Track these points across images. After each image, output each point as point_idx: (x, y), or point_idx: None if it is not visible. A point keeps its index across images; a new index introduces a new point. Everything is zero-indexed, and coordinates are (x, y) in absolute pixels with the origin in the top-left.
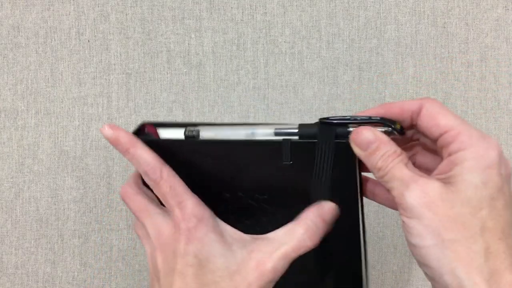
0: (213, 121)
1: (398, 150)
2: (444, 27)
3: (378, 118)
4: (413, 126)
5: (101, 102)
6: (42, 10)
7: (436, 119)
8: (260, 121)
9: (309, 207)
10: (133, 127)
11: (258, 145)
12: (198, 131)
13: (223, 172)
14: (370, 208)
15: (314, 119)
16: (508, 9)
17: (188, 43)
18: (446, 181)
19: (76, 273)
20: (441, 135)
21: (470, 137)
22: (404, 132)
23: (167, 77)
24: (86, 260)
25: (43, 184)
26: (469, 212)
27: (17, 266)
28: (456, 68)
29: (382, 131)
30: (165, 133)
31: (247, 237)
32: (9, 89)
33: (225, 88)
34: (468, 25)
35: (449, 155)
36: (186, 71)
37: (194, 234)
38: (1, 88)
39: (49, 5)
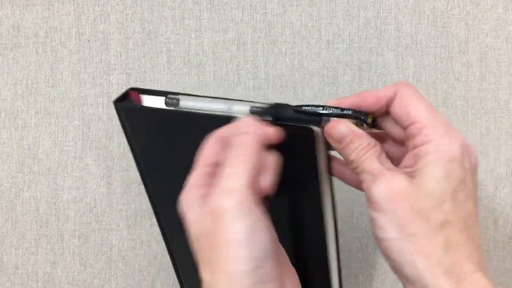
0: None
1: (372, 142)
2: (444, 27)
3: (350, 112)
4: (387, 113)
5: (101, 102)
6: (42, 10)
7: (407, 108)
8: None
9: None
10: None
11: (232, 120)
12: (178, 100)
13: (198, 141)
14: None
15: None
16: (508, 9)
17: (188, 43)
18: (411, 175)
19: (76, 273)
20: (409, 125)
21: (434, 131)
22: (376, 125)
23: (167, 77)
24: (86, 260)
25: (43, 184)
26: (431, 206)
27: (17, 266)
28: (456, 68)
29: (355, 123)
30: (148, 100)
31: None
32: (9, 89)
33: (225, 88)
34: (468, 25)
35: (414, 147)
36: (186, 71)
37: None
38: (1, 88)
39: (49, 5)
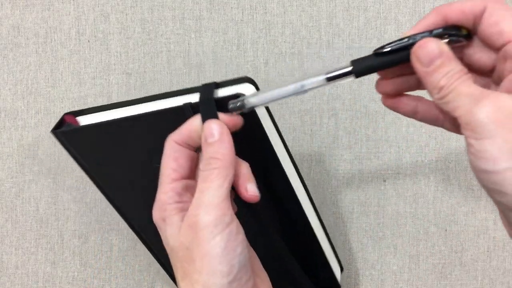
0: None
1: (464, 69)
2: None
3: (440, 30)
4: (474, 32)
5: (101, 102)
6: (42, 10)
7: (499, 25)
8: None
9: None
10: None
11: (167, 113)
12: (243, 102)
13: (144, 143)
14: (371, 209)
15: (314, 119)
16: None
17: (188, 43)
18: None
19: (76, 273)
20: (504, 44)
21: None
22: (472, 36)
23: (167, 77)
24: (86, 260)
25: (43, 184)
26: None
27: (17, 266)
28: None
29: (446, 42)
30: (85, 120)
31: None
32: (9, 89)
33: None
34: None
35: None
36: (186, 71)
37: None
38: (1, 88)
39: (49, 5)
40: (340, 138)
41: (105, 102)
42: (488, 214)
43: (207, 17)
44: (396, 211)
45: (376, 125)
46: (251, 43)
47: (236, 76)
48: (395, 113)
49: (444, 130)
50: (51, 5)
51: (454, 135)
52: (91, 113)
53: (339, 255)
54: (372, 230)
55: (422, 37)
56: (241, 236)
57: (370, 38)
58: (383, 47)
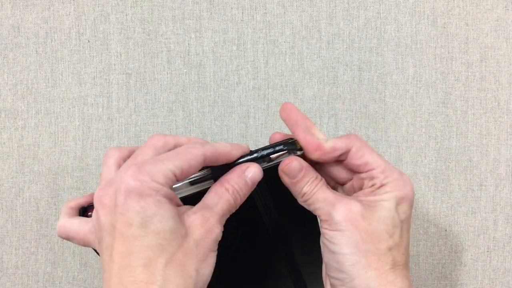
0: (214, 121)
1: (318, 175)
2: (444, 27)
3: (282, 147)
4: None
5: (101, 102)
6: (42, 10)
7: (364, 158)
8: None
9: (233, 169)
10: (133, 127)
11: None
12: None
13: None
14: None
15: (314, 119)
16: (508, 9)
17: (188, 43)
18: (366, 204)
19: (76, 273)
20: (368, 171)
21: (391, 175)
22: (302, 150)
23: (167, 77)
24: (86, 260)
25: (43, 184)
26: (383, 228)
27: (17, 266)
28: (456, 68)
29: (285, 153)
30: None
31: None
32: (9, 89)
33: (225, 88)
34: (468, 25)
35: (373, 185)
36: (186, 71)
37: (141, 190)
38: (1, 88)
39: (49, 5)
40: None
41: (105, 102)
42: (488, 214)
43: (207, 17)
44: None
45: (376, 125)
46: (251, 43)
47: (236, 75)
48: (395, 113)
49: (443, 130)
50: (51, 5)
51: (454, 135)
52: None
53: None
54: None
55: (268, 154)
56: None
57: (370, 38)
58: (246, 155)
